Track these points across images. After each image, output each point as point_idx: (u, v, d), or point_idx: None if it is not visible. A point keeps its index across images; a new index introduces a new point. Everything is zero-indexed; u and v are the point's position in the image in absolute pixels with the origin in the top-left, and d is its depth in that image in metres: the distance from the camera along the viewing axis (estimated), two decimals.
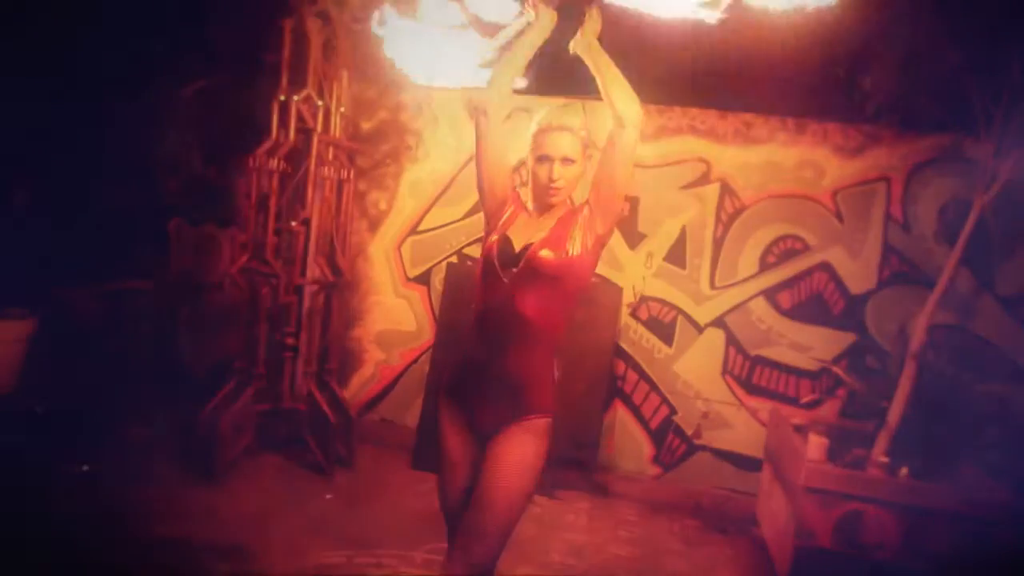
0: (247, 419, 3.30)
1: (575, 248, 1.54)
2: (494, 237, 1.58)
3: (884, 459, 2.50)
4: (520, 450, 1.51)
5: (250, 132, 3.68)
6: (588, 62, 1.55)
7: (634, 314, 3.43)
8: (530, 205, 1.63)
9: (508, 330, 1.52)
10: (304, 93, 3.30)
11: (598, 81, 1.53)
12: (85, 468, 2.81)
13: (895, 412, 2.55)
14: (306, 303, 3.41)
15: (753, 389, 3.31)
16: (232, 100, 3.70)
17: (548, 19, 1.56)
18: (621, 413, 3.45)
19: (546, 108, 1.61)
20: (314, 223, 3.37)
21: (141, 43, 3.40)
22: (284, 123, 3.31)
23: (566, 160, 1.55)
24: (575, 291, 1.57)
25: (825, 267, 3.24)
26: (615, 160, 1.50)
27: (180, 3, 3.36)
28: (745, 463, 3.26)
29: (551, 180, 1.55)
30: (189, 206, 3.90)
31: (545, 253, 1.52)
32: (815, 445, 2.51)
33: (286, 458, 3.28)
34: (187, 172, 3.87)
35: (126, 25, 3.31)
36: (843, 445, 2.66)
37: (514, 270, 1.52)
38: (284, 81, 3.29)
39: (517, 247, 1.55)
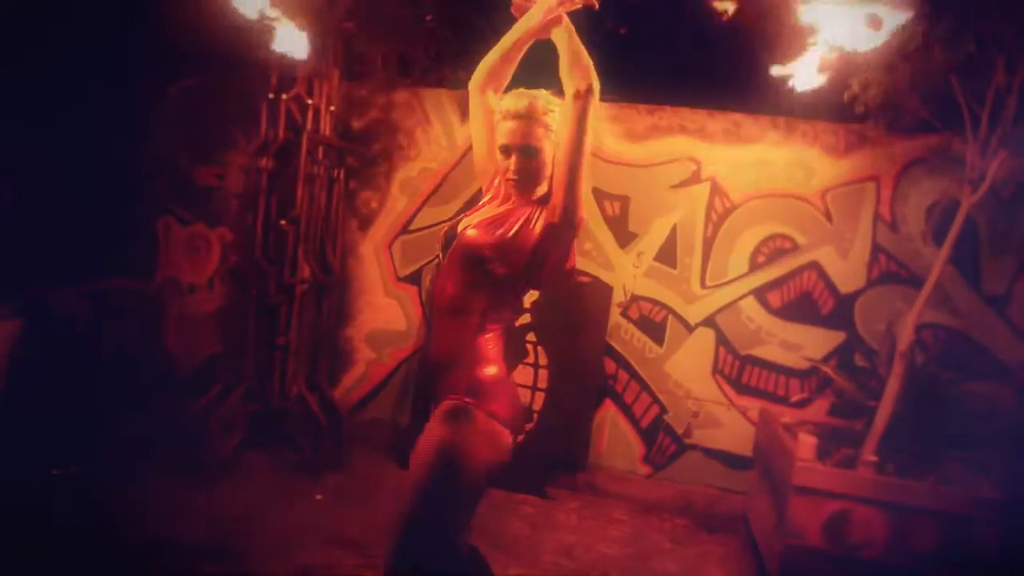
0: (237, 419, 3.27)
1: (512, 231, 1.45)
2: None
3: (873, 458, 2.50)
4: (427, 436, 1.43)
5: (240, 130, 3.65)
6: (556, 42, 1.46)
7: (625, 313, 3.42)
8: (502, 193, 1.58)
9: (439, 311, 1.51)
10: (294, 91, 3.28)
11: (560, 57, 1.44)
12: (74, 470, 2.77)
13: (883, 411, 2.55)
14: (296, 302, 3.38)
15: (743, 388, 3.30)
16: (221, 98, 3.66)
17: (541, 6, 1.48)
18: (612, 412, 3.44)
19: (510, 95, 1.51)
20: (303, 222, 3.34)
21: (129, 41, 3.35)
22: (273, 121, 3.28)
23: (527, 150, 1.47)
24: (506, 275, 1.44)
25: (814, 266, 3.24)
26: (561, 137, 1.42)
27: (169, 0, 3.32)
28: (735, 462, 3.26)
29: (511, 172, 1.48)
30: (178, 205, 3.85)
31: (470, 232, 1.47)
32: (804, 444, 2.51)
33: (276, 458, 3.24)
34: (176, 171, 3.82)
35: (114, 23, 3.26)
36: (832, 444, 2.65)
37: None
38: (273, 79, 3.27)
39: (459, 230, 1.51)
